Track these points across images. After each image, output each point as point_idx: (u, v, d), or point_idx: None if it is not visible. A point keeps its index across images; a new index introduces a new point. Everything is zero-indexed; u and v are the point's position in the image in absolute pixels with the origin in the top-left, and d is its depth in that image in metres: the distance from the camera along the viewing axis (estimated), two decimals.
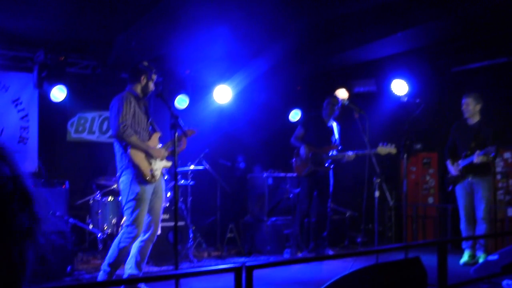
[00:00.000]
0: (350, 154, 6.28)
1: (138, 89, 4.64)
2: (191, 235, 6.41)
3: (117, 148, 4.54)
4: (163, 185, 4.66)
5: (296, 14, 5.96)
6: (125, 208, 4.42)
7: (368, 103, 7.81)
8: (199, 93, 8.13)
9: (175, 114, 4.19)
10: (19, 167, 0.67)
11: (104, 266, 4.37)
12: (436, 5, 5.71)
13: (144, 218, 4.40)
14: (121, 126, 4.34)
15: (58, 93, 6.62)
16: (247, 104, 8.53)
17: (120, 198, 4.86)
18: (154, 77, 4.71)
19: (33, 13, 5.71)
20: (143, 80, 4.62)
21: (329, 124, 6.74)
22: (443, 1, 5.64)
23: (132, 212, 4.34)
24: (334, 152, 6.50)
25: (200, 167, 6.83)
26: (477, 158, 5.87)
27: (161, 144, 4.72)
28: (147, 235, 4.52)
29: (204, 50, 6.94)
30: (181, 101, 7.62)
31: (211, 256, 6.79)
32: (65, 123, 7.39)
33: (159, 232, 4.68)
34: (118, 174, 4.52)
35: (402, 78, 7.36)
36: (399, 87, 7.36)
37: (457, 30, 6.42)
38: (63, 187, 6.14)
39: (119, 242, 4.34)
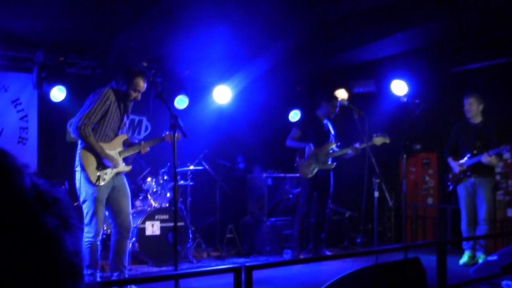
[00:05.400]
0: (357, 146, 6.15)
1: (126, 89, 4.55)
2: (190, 236, 6.41)
3: (78, 145, 4.49)
4: (123, 182, 4.61)
5: (295, 15, 5.97)
6: (83, 208, 4.43)
7: (367, 104, 7.81)
8: (198, 93, 8.14)
9: (175, 114, 4.19)
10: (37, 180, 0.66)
11: (85, 271, 4.40)
12: (436, 6, 5.71)
13: (102, 216, 4.40)
14: (81, 123, 4.30)
15: (58, 94, 6.61)
16: (246, 105, 8.53)
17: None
18: (140, 85, 4.55)
19: (32, 13, 5.71)
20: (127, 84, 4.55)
21: (324, 122, 6.63)
22: (443, 1, 5.64)
23: (87, 212, 4.38)
24: (335, 149, 6.44)
25: (200, 168, 6.83)
26: (486, 157, 5.85)
27: (123, 147, 4.60)
28: (119, 233, 4.51)
29: (204, 51, 6.93)
30: (181, 102, 7.62)
31: (211, 257, 6.79)
32: (64, 123, 7.37)
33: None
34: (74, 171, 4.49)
35: (401, 79, 7.36)
36: (399, 87, 7.35)
37: (456, 31, 6.42)
38: (63, 187, 6.14)
39: (84, 244, 4.39)
